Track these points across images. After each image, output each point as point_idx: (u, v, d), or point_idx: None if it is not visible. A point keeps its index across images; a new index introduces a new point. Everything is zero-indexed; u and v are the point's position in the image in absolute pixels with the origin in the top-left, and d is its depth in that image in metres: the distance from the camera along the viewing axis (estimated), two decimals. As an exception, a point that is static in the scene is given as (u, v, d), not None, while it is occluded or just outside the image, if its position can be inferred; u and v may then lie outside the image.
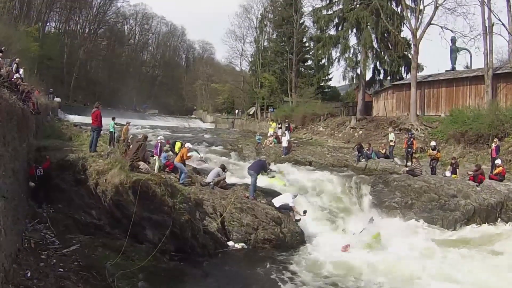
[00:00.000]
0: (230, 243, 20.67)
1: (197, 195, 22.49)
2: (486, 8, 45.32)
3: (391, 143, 38.81)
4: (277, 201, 24.04)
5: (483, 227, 25.26)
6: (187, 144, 26.88)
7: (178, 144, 31.50)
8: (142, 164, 23.25)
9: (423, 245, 21.54)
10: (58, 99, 66.78)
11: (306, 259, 19.88)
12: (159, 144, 27.65)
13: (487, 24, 45.26)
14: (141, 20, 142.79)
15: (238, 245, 20.71)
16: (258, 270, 18.20)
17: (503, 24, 44.51)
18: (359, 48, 63.88)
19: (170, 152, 28.63)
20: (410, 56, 56.29)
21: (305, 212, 24.03)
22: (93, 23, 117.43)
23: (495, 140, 33.62)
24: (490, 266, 19.01)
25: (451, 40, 54.91)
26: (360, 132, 55.00)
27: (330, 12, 67.38)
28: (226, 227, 21.30)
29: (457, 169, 31.42)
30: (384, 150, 39.07)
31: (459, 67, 56.44)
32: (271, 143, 44.06)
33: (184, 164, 25.45)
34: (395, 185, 28.85)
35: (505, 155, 34.87)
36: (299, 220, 23.75)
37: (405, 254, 20.34)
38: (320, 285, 17.13)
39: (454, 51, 56.07)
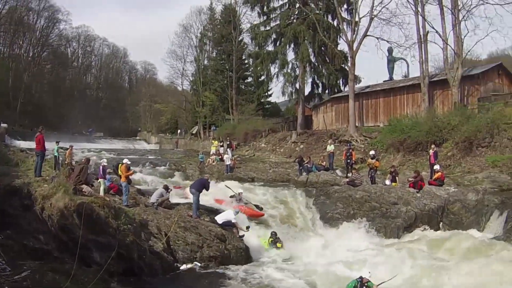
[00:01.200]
0: (183, 267, 20.00)
1: (141, 216, 21.91)
2: (420, 18, 46.03)
3: (329, 153, 39.20)
4: (219, 218, 23.53)
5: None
6: (125, 160, 26.37)
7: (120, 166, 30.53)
8: (85, 187, 22.38)
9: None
10: (4, 125, 66.28)
11: (252, 275, 19.39)
12: (101, 167, 26.68)
13: (421, 33, 46.16)
14: (84, 42, 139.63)
15: (189, 266, 20.12)
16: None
17: (437, 32, 45.56)
18: (297, 62, 63.26)
19: (114, 175, 28.03)
20: (347, 69, 56.20)
21: (248, 227, 23.55)
22: (37, 46, 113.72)
23: (433, 146, 33.79)
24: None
25: (388, 50, 55.78)
26: (301, 146, 54.89)
27: (267, 28, 66.84)
28: (171, 246, 20.74)
29: (397, 177, 31.58)
30: (324, 162, 39.00)
31: (398, 76, 57.71)
32: (213, 162, 43.63)
33: (129, 182, 24.92)
34: (337, 196, 28.98)
35: (444, 161, 35.71)
36: (243, 236, 23.20)
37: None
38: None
39: (391, 61, 56.95)
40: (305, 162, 37.44)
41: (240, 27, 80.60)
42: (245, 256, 22.17)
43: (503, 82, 47.65)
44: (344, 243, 23.69)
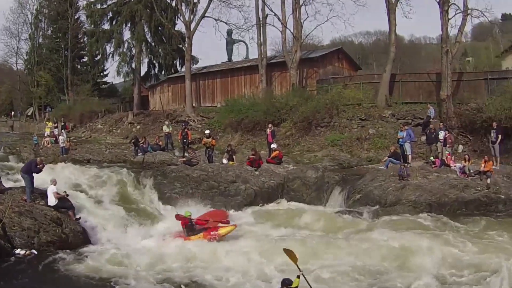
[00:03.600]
0: (18, 250, 18.26)
1: (-27, 202, 19.99)
2: (260, 1, 44.35)
3: (166, 134, 37.47)
4: (49, 200, 21.40)
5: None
6: None
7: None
8: None
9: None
10: None
11: (90, 258, 18.10)
12: None
13: (260, 16, 44.31)
14: None
15: (25, 251, 18.26)
16: (44, 274, 16.45)
17: (276, 15, 43.93)
18: (133, 42, 59.48)
19: None
20: (184, 49, 53.43)
21: (65, 193, 21.83)
22: None
23: (270, 125, 33.12)
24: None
25: (227, 32, 54.14)
26: (138, 127, 52.40)
27: (104, 6, 61.80)
28: (8, 233, 18.74)
29: (234, 156, 30.67)
30: (161, 142, 37.04)
31: (238, 58, 56.00)
32: (48, 144, 39.35)
33: None
34: (174, 176, 27.71)
35: (283, 140, 35.67)
36: (79, 218, 21.53)
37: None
38: (103, 283, 15.74)
39: (230, 43, 55.57)
40: (141, 142, 35.30)
41: (77, 4, 75.05)
42: (83, 239, 20.64)
43: (343, 66, 48.18)
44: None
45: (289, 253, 12.54)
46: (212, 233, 19.43)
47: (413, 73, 42.16)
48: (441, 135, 27.44)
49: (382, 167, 27.00)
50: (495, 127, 26.28)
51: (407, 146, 27.44)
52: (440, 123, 29.54)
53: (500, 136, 25.98)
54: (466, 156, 24.94)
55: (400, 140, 27.65)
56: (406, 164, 25.32)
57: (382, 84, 36.65)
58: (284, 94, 40.72)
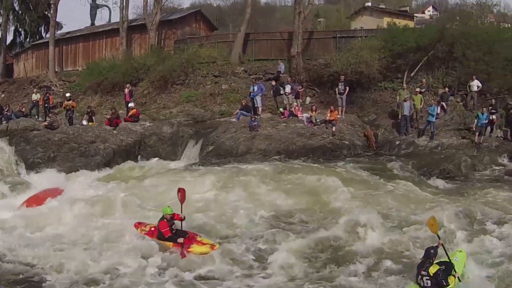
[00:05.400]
0: None
1: None
2: None
3: (33, 101, 35.11)
4: None
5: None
6: None
7: None
8: None
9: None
10: None
11: None
12: None
13: None
14: None
15: None
16: None
17: None
18: (1, 11, 53.67)
19: None
20: (50, 16, 49.33)
21: None
22: None
23: (127, 85, 31.94)
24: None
25: None
26: (2, 95, 47.72)
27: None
28: None
29: (94, 117, 29.66)
30: (24, 109, 34.41)
31: (101, 22, 52.74)
32: None
33: None
34: (36, 141, 26.09)
35: (140, 98, 34.52)
36: None
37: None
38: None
39: (94, 7, 52.82)
40: (5, 110, 32.66)
41: None
42: None
43: (200, 27, 46.89)
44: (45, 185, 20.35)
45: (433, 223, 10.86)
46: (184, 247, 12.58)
47: (266, 32, 42.26)
48: (287, 88, 27.52)
49: (234, 120, 27.07)
50: (342, 80, 26.95)
51: (258, 99, 27.67)
52: (288, 78, 29.76)
53: (347, 88, 26.83)
54: (313, 106, 25.90)
55: (252, 93, 27.89)
56: (256, 116, 25.63)
57: (236, 43, 36.02)
58: (143, 55, 39.34)
